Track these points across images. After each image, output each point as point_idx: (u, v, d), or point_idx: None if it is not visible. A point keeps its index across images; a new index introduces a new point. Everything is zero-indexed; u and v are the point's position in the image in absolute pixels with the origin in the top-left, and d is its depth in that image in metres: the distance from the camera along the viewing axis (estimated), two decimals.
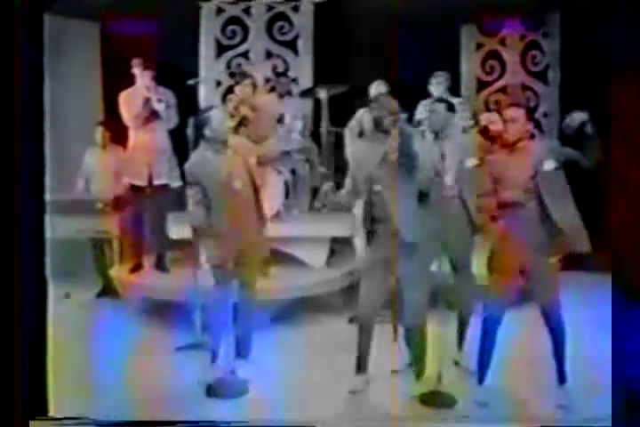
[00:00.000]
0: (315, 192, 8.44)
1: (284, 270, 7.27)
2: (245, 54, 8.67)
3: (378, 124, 5.50)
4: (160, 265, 7.51)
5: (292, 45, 8.66)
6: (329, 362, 5.97)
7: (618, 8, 5.12)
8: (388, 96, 5.69)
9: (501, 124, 5.40)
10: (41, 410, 5.10)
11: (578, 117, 5.22)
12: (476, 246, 5.99)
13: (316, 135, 8.53)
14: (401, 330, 5.80)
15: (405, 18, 7.72)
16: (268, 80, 8.62)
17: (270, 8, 8.63)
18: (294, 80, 8.67)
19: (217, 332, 5.84)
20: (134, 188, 7.49)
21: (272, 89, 8.57)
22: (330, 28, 8.64)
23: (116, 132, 7.76)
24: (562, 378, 5.41)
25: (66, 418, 5.13)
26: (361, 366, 5.62)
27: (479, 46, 8.88)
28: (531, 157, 5.25)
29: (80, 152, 7.95)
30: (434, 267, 5.95)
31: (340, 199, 5.63)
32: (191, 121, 6.75)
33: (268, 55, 8.70)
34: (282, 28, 8.65)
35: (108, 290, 7.75)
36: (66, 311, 6.24)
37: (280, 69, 8.69)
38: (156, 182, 7.42)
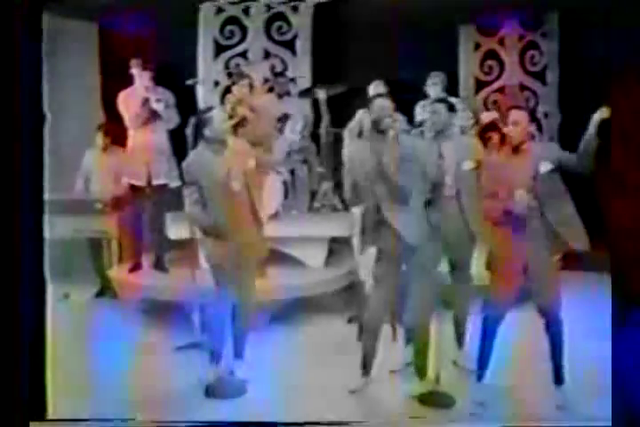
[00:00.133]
0: (313, 192, 8.45)
1: (283, 270, 7.27)
2: (244, 54, 8.66)
3: (376, 124, 5.50)
4: (159, 265, 7.50)
5: (290, 45, 8.65)
6: (328, 362, 5.97)
7: (617, 8, 5.13)
8: (385, 97, 5.69)
9: (502, 123, 5.41)
10: (40, 411, 5.10)
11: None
12: (475, 247, 6.00)
13: (314, 135, 8.52)
14: (401, 330, 5.80)
15: (403, 18, 7.71)
16: (266, 80, 8.61)
17: (269, 8, 8.62)
18: (293, 80, 8.66)
19: (216, 332, 5.83)
20: (133, 188, 7.49)
21: (270, 89, 8.57)
22: (328, 28, 8.63)
23: (115, 133, 7.76)
24: (559, 379, 5.42)
25: (65, 420, 5.13)
26: (366, 367, 5.63)
27: (477, 46, 8.86)
28: (531, 158, 5.26)
29: (79, 152, 7.94)
30: (439, 268, 5.98)
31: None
32: (191, 121, 6.76)
33: (267, 55, 8.69)
34: (280, 28, 8.64)
35: (106, 290, 7.74)
36: (65, 311, 6.22)
37: (278, 69, 8.68)
38: (154, 182, 7.42)
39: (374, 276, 5.63)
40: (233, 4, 8.55)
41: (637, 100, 5.16)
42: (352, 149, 5.57)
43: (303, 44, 8.64)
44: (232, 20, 8.62)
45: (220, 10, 8.58)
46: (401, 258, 5.48)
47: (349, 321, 6.80)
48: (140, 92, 7.34)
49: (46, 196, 5.26)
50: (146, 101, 7.28)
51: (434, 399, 5.49)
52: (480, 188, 5.40)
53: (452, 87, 8.03)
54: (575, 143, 4.83)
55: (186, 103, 7.71)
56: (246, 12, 8.61)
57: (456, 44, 8.86)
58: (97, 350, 6.00)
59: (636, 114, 5.16)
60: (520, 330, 5.65)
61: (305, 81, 8.63)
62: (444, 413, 5.40)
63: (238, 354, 5.88)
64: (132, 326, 6.81)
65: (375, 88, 7.66)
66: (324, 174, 8.34)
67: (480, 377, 5.48)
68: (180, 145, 6.99)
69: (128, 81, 7.45)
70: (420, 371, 5.59)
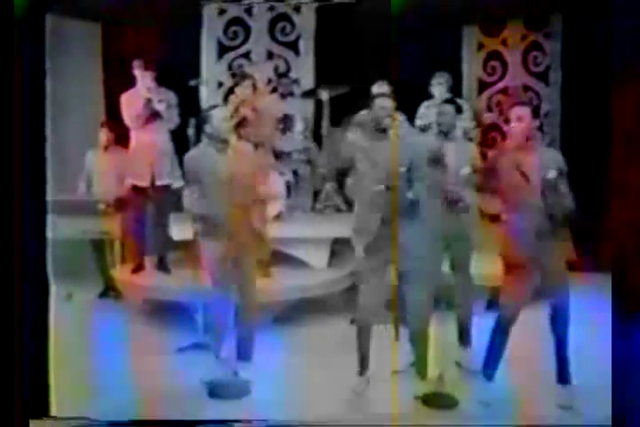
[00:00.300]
0: (316, 193, 8.46)
1: (286, 271, 7.28)
2: (247, 55, 8.67)
3: (376, 123, 5.50)
4: (162, 266, 7.50)
5: (293, 46, 8.67)
6: (331, 363, 5.97)
7: (618, 9, 5.12)
8: (387, 96, 5.69)
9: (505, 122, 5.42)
10: (42, 410, 5.10)
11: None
12: (481, 248, 6.01)
13: (317, 136, 8.53)
14: (403, 331, 5.80)
15: (407, 18, 7.71)
16: (270, 81, 8.62)
17: (272, 9, 8.63)
18: (296, 81, 8.67)
19: (217, 332, 5.83)
20: (136, 188, 7.49)
21: (274, 90, 8.58)
22: (331, 28, 8.64)
23: (118, 134, 7.77)
24: (564, 379, 5.41)
25: (67, 418, 5.13)
26: (363, 367, 5.62)
27: (481, 47, 8.88)
28: (537, 157, 5.26)
29: (81, 153, 7.96)
30: (440, 268, 5.98)
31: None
32: (191, 121, 6.78)
33: (270, 56, 8.70)
34: (284, 28, 8.66)
35: (109, 291, 7.76)
36: (67, 312, 6.23)
37: (282, 70, 8.69)
38: (158, 183, 7.42)
39: (362, 273, 5.63)
40: (234, 2, 8.56)
41: (637, 101, 5.15)
42: (355, 148, 5.54)
43: (306, 45, 8.65)
44: (235, 20, 8.64)
45: (223, 11, 8.60)
46: (388, 255, 5.46)
47: (352, 322, 6.79)
48: (143, 92, 7.34)
49: (49, 196, 5.26)
50: (148, 102, 7.27)
51: (437, 400, 5.48)
52: (481, 190, 5.41)
53: (455, 88, 8.03)
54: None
55: (189, 104, 7.72)
56: (249, 12, 8.62)
57: (459, 44, 8.87)
58: (100, 350, 6.00)
59: (636, 114, 5.15)
60: (524, 329, 5.64)
61: (308, 81, 8.64)
62: (447, 413, 5.39)
63: (245, 356, 5.88)
64: (134, 326, 6.82)
65: (378, 88, 7.65)
66: (326, 175, 8.35)
67: (490, 377, 5.46)
68: (182, 146, 6.99)
69: (130, 81, 7.45)
70: (421, 371, 5.59)
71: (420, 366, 5.60)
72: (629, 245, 5.09)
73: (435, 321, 5.68)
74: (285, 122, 8.33)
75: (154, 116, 7.33)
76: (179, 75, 7.87)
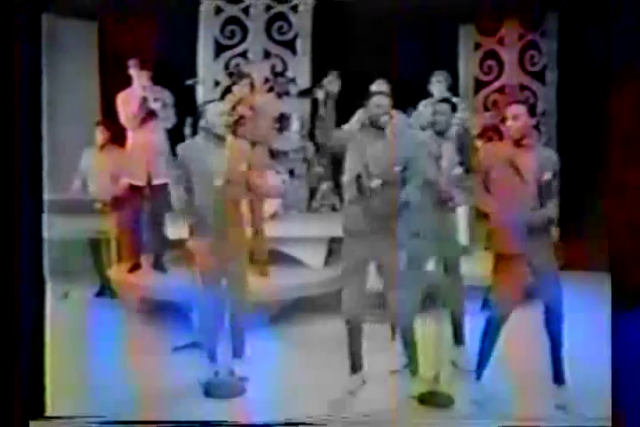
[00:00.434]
0: (313, 192, 8.46)
1: (283, 270, 7.28)
2: (244, 54, 8.66)
3: (372, 121, 5.50)
4: (158, 265, 7.50)
5: (290, 45, 8.66)
6: (327, 362, 5.96)
7: (616, 8, 5.12)
8: (383, 94, 5.68)
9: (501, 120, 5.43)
10: (40, 410, 5.09)
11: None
12: (475, 247, 6.01)
13: (313, 135, 8.52)
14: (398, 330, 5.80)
15: (403, 17, 7.71)
16: (266, 80, 8.61)
17: (269, 8, 8.62)
18: (292, 80, 8.66)
19: (210, 331, 5.83)
20: (132, 188, 7.48)
21: (270, 89, 8.57)
22: (328, 27, 8.64)
23: (114, 133, 7.76)
24: (560, 379, 5.42)
25: (65, 418, 5.13)
26: (355, 365, 5.62)
27: (477, 46, 8.87)
28: (534, 156, 5.27)
29: (78, 152, 7.95)
30: (428, 267, 5.98)
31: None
32: (189, 120, 6.77)
33: (267, 55, 8.70)
34: (281, 28, 8.65)
35: (106, 290, 7.75)
36: (64, 311, 6.22)
37: (278, 69, 8.68)
38: (154, 182, 7.41)
39: (343, 271, 5.62)
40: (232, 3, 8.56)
41: (637, 100, 5.16)
42: (351, 147, 5.52)
43: (303, 44, 8.65)
44: (232, 19, 8.63)
45: (220, 10, 8.59)
46: (370, 254, 5.47)
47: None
48: (138, 91, 7.34)
49: (45, 195, 5.25)
50: (144, 101, 7.27)
51: (433, 399, 5.50)
52: (478, 187, 5.41)
53: (451, 87, 8.02)
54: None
55: (185, 103, 7.71)
56: (246, 11, 8.61)
57: (456, 43, 8.86)
58: (96, 350, 5.99)
59: (635, 114, 5.16)
60: (519, 330, 5.64)
61: (304, 81, 8.64)
62: (444, 413, 5.40)
63: (237, 353, 5.88)
64: (131, 325, 6.82)
65: (377, 87, 7.64)
66: (322, 174, 8.35)
67: (478, 376, 5.48)
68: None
69: (127, 80, 7.44)
70: (412, 369, 5.58)
71: (411, 364, 5.59)
72: (628, 245, 5.10)
73: (431, 320, 5.69)
74: (282, 121, 8.32)
75: (150, 115, 7.32)
76: (175, 74, 7.87)
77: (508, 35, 8.70)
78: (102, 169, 7.77)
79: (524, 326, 5.57)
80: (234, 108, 7.32)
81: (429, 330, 5.70)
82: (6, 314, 4.98)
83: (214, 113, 5.78)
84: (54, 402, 5.14)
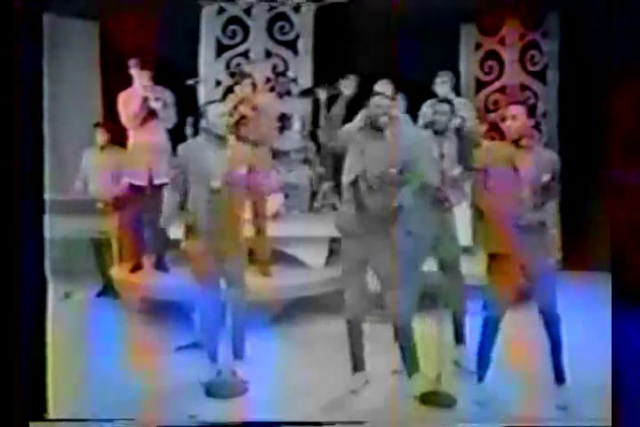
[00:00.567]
0: (314, 192, 8.46)
1: (284, 270, 7.29)
2: (245, 54, 8.67)
3: (372, 122, 5.49)
4: (160, 265, 7.51)
5: (292, 45, 8.67)
6: (329, 362, 5.97)
7: (617, 8, 5.12)
8: (384, 95, 5.68)
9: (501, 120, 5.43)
10: (40, 411, 5.10)
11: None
12: (471, 247, 6.01)
13: (314, 135, 8.53)
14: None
15: (405, 17, 7.71)
16: (268, 80, 8.62)
17: (271, 8, 8.63)
18: (294, 80, 8.67)
19: (210, 331, 5.83)
20: (134, 187, 7.49)
21: (272, 89, 8.57)
22: (330, 27, 8.64)
23: (115, 133, 7.77)
24: (560, 378, 5.42)
25: (65, 420, 5.13)
26: (357, 365, 5.62)
27: (478, 46, 8.87)
28: (533, 156, 5.27)
29: (79, 152, 7.96)
30: (425, 267, 5.98)
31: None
32: (190, 120, 6.77)
33: (268, 55, 8.70)
34: (282, 28, 8.66)
35: (107, 290, 7.76)
36: (66, 311, 6.23)
37: (280, 69, 8.69)
38: (156, 182, 7.42)
39: (343, 270, 5.63)
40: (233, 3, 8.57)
41: (637, 100, 5.16)
42: (351, 147, 5.52)
43: (305, 44, 8.65)
44: (234, 19, 8.64)
45: (222, 10, 8.60)
46: (368, 254, 5.47)
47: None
48: (139, 91, 7.34)
49: (47, 195, 5.26)
50: (145, 101, 7.28)
51: (435, 399, 5.49)
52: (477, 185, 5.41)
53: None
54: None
55: (187, 103, 7.72)
56: (248, 11, 8.62)
57: (457, 43, 8.86)
58: (98, 350, 6.00)
59: (635, 114, 5.16)
60: (520, 330, 5.65)
61: (306, 80, 8.64)
62: (445, 413, 5.40)
63: (237, 354, 5.88)
64: (132, 325, 6.83)
65: (381, 87, 7.63)
66: (324, 174, 8.35)
67: (481, 378, 5.48)
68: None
69: (128, 80, 7.45)
70: (410, 371, 5.57)
71: (408, 364, 5.59)
72: (628, 245, 5.10)
73: (433, 321, 5.70)
74: (283, 121, 8.33)
75: (151, 115, 7.33)
76: (176, 74, 7.87)
77: (509, 34, 8.69)
78: (103, 169, 7.79)
79: (524, 326, 5.58)
80: (235, 107, 7.33)
81: (431, 330, 5.70)
82: (8, 314, 4.98)
83: (215, 114, 5.78)
84: (55, 403, 5.14)
